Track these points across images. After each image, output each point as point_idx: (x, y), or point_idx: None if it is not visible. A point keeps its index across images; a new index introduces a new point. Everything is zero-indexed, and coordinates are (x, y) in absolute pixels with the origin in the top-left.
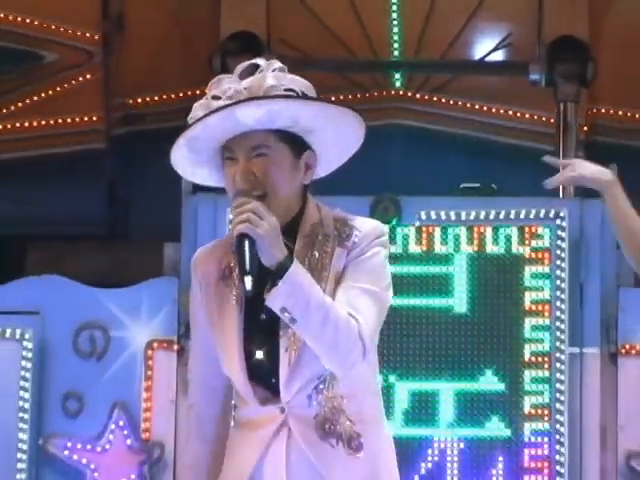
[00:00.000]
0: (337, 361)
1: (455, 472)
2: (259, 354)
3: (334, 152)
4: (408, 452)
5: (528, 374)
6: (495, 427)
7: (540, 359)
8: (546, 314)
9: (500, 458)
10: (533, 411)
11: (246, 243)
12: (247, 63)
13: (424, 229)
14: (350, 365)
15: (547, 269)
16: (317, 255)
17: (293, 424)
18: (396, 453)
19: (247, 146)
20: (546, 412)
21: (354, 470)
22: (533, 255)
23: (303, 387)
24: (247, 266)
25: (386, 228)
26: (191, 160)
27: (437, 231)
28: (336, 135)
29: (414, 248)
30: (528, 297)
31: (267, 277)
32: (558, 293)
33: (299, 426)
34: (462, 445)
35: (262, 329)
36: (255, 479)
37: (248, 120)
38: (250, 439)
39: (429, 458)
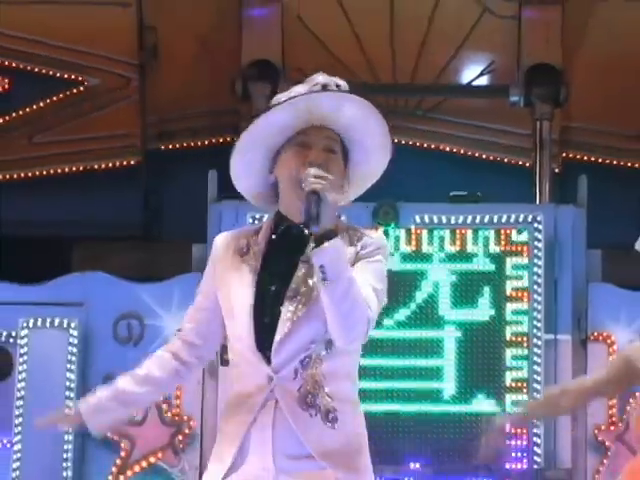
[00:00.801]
0: (343, 331)
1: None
2: (265, 320)
3: (361, 172)
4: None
5: (509, 352)
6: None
7: (520, 339)
8: (525, 300)
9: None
10: (514, 384)
11: (315, 198)
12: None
13: (413, 231)
14: (352, 339)
15: (526, 260)
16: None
17: (279, 394)
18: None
19: (322, 137)
20: (524, 385)
21: (328, 439)
22: (513, 249)
23: (291, 357)
24: (314, 213)
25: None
26: (256, 141)
27: (424, 233)
28: (369, 152)
29: (404, 247)
30: (509, 285)
31: (292, 249)
32: (535, 287)
33: (284, 397)
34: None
35: (269, 300)
36: (244, 445)
37: (330, 108)
38: (240, 409)
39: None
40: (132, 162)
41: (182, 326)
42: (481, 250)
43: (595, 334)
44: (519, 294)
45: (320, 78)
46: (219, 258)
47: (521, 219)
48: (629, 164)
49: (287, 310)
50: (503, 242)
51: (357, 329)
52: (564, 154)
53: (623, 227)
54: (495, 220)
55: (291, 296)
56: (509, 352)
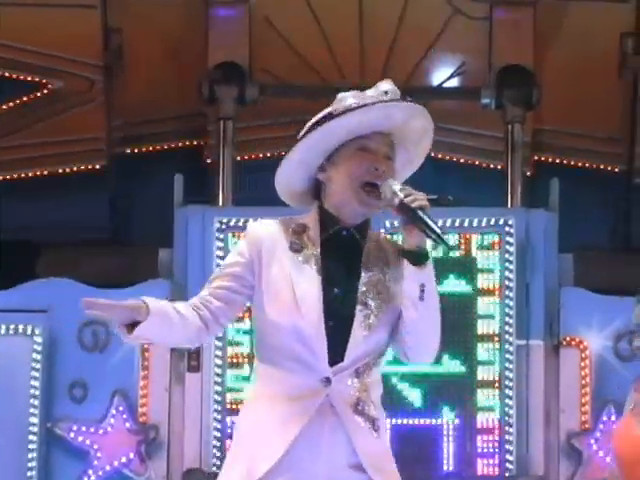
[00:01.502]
0: (428, 349)
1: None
2: (329, 323)
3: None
4: None
5: (480, 351)
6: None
7: (490, 338)
8: (496, 309)
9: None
10: (485, 392)
11: (421, 215)
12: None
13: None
14: (433, 357)
15: (497, 257)
16: (380, 258)
17: (335, 400)
18: None
19: (383, 144)
20: (497, 394)
21: (375, 446)
22: (485, 254)
23: (354, 363)
24: (438, 229)
25: None
26: (323, 139)
27: (395, 239)
28: (410, 163)
29: None
30: (480, 278)
31: (346, 252)
32: (507, 292)
33: (340, 403)
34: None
35: (334, 304)
36: (294, 448)
37: (400, 117)
38: (287, 411)
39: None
40: (98, 166)
41: (204, 296)
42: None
43: (567, 339)
44: (490, 286)
45: (389, 86)
46: (265, 248)
47: (492, 222)
48: (602, 166)
49: (361, 316)
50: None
51: (437, 347)
52: (536, 157)
53: (595, 231)
54: (466, 224)
55: (364, 302)
56: (480, 356)
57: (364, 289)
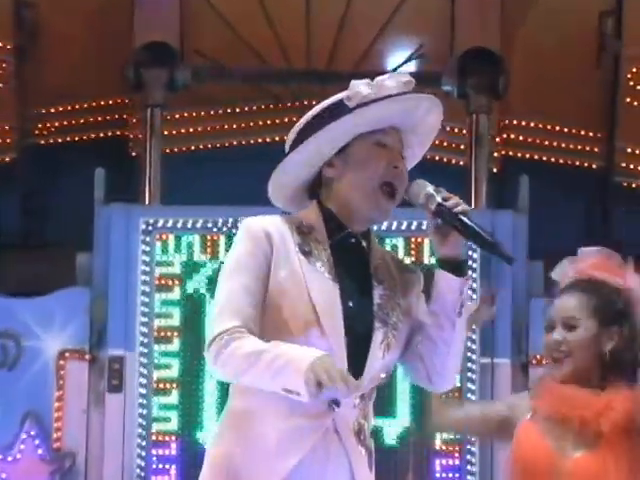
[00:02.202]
0: (456, 372)
1: None
2: (347, 338)
3: None
4: None
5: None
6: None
7: None
8: None
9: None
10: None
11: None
12: (386, 75)
13: None
14: (453, 384)
15: None
16: (387, 271)
17: (340, 425)
18: None
19: (397, 140)
20: None
21: None
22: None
23: (369, 384)
24: (491, 237)
25: None
26: (346, 131)
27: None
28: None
29: None
30: None
31: (354, 259)
32: (469, 304)
33: (344, 429)
34: None
35: (349, 319)
36: (293, 477)
37: (421, 112)
38: (291, 435)
39: None
40: (7, 159)
41: (233, 312)
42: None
43: (538, 357)
44: None
45: (408, 77)
46: (276, 245)
47: (414, 227)
48: (577, 163)
49: (380, 334)
50: (414, 252)
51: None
52: (503, 152)
53: (570, 235)
54: (415, 226)
55: (382, 319)
56: None
57: (379, 302)
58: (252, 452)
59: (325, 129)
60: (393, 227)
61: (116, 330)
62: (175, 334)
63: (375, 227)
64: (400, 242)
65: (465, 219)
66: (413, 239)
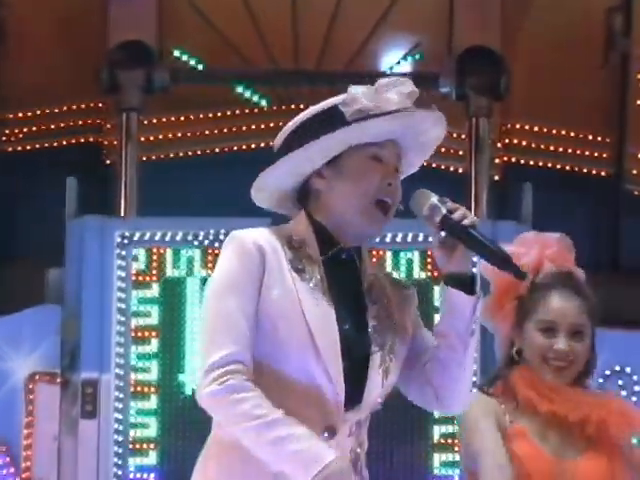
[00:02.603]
0: (467, 394)
1: None
2: (343, 363)
3: None
4: None
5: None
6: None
7: None
8: None
9: None
10: (442, 440)
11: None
12: (388, 80)
13: None
14: (466, 405)
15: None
16: (381, 289)
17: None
18: None
19: (394, 154)
20: (455, 455)
21: None
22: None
23: (363, 411)
24: (502, 251)
25: None
26: (340, 143)
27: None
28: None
29: None
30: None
31: (345, 277)
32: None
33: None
34: None
35: (345, 342)
36: None
37: (422, 127)
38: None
39: None
40: None
41: (234, 344)
42: (403, 276)
43: None
44: None
45: (411, 87)
46: (268, 261)
47: (421, 239)
48: (584, 170)
49: (377, 358)
50: (430, 266)
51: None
52: (505, 158)
53: (577, 247)
54: (421, 239)
55: (378, 342)
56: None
57: (374, 323)
58: None
59: (317, 140)
60: (408, 239)
61: (90, 351)
62: (152, 334)
63: (389, 239)
64: (416, 256)
65: (474, 232)
66: (429, 252)
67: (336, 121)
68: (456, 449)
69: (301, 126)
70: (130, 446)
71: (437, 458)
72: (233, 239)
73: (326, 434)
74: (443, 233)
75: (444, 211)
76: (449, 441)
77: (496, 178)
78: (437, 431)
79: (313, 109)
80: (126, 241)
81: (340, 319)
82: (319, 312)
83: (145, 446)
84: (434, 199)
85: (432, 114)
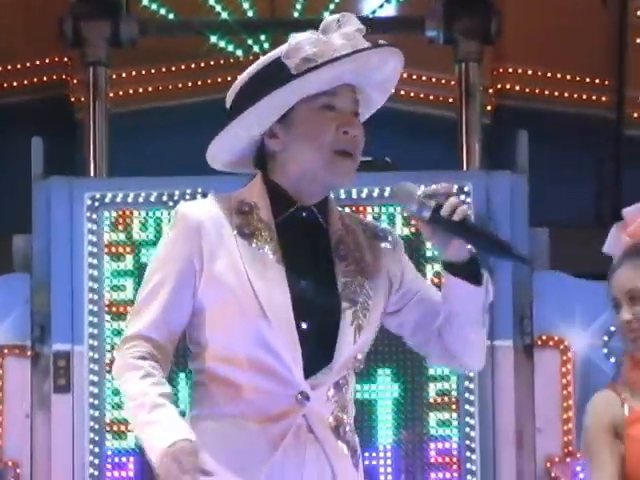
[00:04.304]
0: (481, 354)
1: None
2: (302, 326)
3: None
4: None
5: (432, 370)
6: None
7: None
8: None
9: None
10: (439, 399)
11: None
12: (331, 19)
13: None
14: (483, 362)
15: None
16: (352, 244)
17: (313, 421)
18: None
19: (349, 99)
20: (454, 416)
21: None
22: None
23: (336, 373)
24: (500, 240)
25: None
26: (287, 97)
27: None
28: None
29: None
30: (428, 277)
31: (304, 235)
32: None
33: (318, 425)
34: None
35: (304, 302)
36: None
37: (374, 65)
38: (257, 441)
39: None
40: None
41: (143, 321)
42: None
43: (544, 338)
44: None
45: (357, 24)
46: (206, 236)
47: None
48: (582, 114)
49: (349, 315)
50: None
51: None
52: (497, 104)
53: (577, 198)
54: None
55: (349, 298)
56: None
57: (344, 281)
58: (215, 463)
59: (261, 100)
60: (375, 194)
61: (61, 322)
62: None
63: (368, 195)
64: (397, 211)
65: (466, 225)
66: (405, 209)
67: (280, 76)
68: (453, 407)
69: (245, 86)
70: (107, 427)
71: (433, 417)
72: (175, 215)
73: (299, 401)
74: (435, 228)
75: (432, 205)
76: (445, 399)
77: (488, 125)
78: (433, 389)
79: (256, 65)
80: (97, 203)
81: (294, 278)
82: (268, 276)
83: (123, 428)
84: (419, 194)
85: (382, 50)
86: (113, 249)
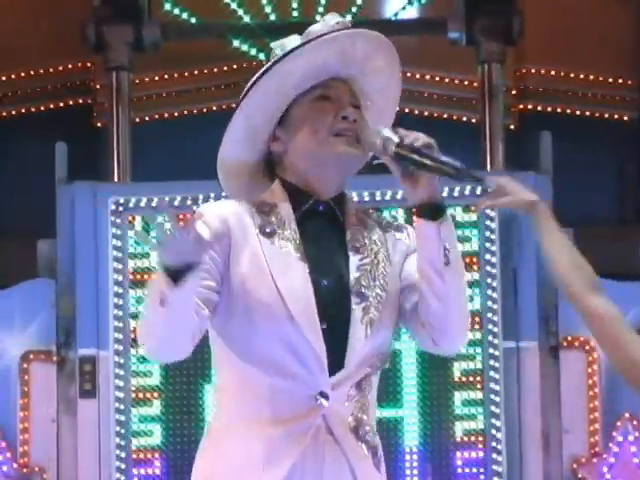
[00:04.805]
0: (461, 329)
1: None
2: (324, 324)
3: None
4: None
5: (457, 366)
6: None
7: (470, 351)
8: (475, 303)
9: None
10: (466, 410)
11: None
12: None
13: None
14: (465, 340)
15: (475, 247)
16: (367, 238)
17: (333, 422)
18: None
19: (345, 91)
20: (480, 418)
21: None
22: (458, 234)
23: (355, 372)
24: (458, 162)
25: None
26: (269, 96)
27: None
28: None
29: None
30: None
31: (323, 230)
32: (489, 280)
33: (338, 426)
34: None
35: (324, 299)
36: None
37: (360, 54)
38: (277, 441)
39: None
40: None
41: None
42: None
43: (569, 339)
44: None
45: (338, 18)
46: (233, 231)
47: (467, 192)
48: (606, 115)
49: (359, 310)
50: None
51: (468, 327)
52: (521, 106)
53: (601, 199)
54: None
55: (359, 293)
56: (457, 365)
57: (356, 275)
58: (235, 469)
59: (249, 95)
60: (394, 196)
61: (86, 326)
62: None
63: (370, 197)
64: (400, 213)
65: (429, 152)
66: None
67: (265, 72)
68: (479, 410)
69: (243, 96)
70: (134, 427)
71: (458, 396)
72: (197, 215)
73: (319, 401)
74: (401, 163)
75: (396, 140)
76: (470, 379)
77: (512, 127)
78: (459, 396)
79: (256, 76)
80: (121, 208)
81: (317, 275)
82: (289, 272)
83: (149, 427)
84: (385, 132)
85: (362, 33)
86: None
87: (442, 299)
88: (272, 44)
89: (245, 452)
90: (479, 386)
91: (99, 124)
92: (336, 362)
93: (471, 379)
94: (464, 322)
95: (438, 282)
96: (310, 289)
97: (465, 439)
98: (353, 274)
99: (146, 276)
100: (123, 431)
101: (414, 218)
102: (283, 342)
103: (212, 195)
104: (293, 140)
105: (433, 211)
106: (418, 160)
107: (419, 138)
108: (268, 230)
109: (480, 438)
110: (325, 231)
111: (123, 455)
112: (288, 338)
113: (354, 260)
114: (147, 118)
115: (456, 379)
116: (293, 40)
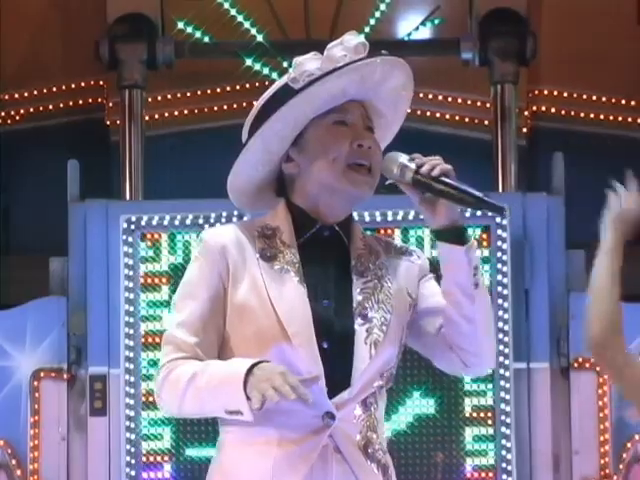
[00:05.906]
0: (492, 350)
1: None
2: (323, 345)
3: None
4: None
5: (468, 401)
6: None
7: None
8: None
9: None
10: (476, 444)
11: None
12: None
13: None
14: (493, 363)
15: (486, 267)
16: (373, 262)
17: (340, 441)
18: None
19: (359, 114)
20: (490, 439)
21: None
22: None
23: (361, 391)
24: (477, 192)
25: None
26: (288, 119)
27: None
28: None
29: None
30: None
31: (326, 254)
32: (500, 301)
33: (346, 445)
34: None
35: (325, 321)
36: None
37: (378, 77)
38: (283, 461)
39: None
40: None
41: (179, 343)
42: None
43: (580, 360)
44: None
45: (359, 39)
46: (232, 259)
47: (478, 212)
48: (619, 137)
49: (362, 331)
50: None
51: (496, 347)
52: (533, 126)
53: None
54: None
55: (363, 315)
56: (468, 387)
57: (360, 298)
58: None
59: (270, 121)
60: (418, 216)
61: (97, 345)
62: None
63: (398, 217)
64: (426, 233)
65: (448, 180)
66: None
67: (287, 97)
68: (490, 431)
69: (258, 115)
70: (143, 450)
71: (469, 432)
72: (199, 241)
73: (325, 421)
74: (419, 191)
75: (413, 167)
76: (481, 415)
77: (524, 148)
78: (468, 407)
79: (266, 94)
80: (133, 226)
81: (316, 297)
82: (289, 296)
83: (157, 432)
84: (402, 159)
85: (383, 60)
86: (149, 280)
87: (473, 321)
88: (294, 59)
89: (253, 471)
90: (489, 408)
91: (112, 141)
92: (341, 382)
93: (482, 401)
94: (494, 342)
95: (468, 305)
96: (308, 310)
97: (476, 461)
98: (356, 297)
99: (157, 285)
100: (133, 450)
101: (437, 243)
102: (284, 364)
103: (224, 214)
104: (308, 164)
105: (456, 235)
106: (436, 188)
107: (437, 165)
108: (269, 254)
109: (490, 461)
110: (329, 254)
111: (133, 473)
112: (288, 360)
113: (358, 283)
114: (160, 136)
115: (467, 407)
116: (313, 60)
